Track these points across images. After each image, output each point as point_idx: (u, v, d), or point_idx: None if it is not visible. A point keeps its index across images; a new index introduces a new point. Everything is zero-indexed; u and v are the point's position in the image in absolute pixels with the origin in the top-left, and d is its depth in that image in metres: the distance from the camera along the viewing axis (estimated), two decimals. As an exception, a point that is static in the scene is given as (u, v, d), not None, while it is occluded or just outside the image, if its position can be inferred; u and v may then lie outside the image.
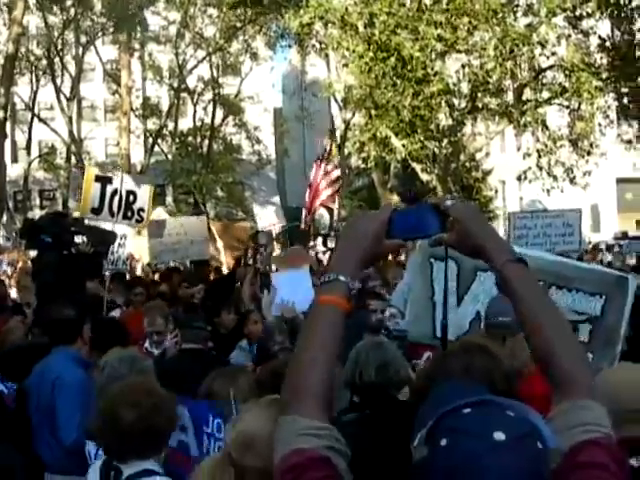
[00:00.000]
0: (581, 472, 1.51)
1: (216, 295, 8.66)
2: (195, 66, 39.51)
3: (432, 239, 1.84)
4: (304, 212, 13.38)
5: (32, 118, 39.88)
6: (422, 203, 1.86)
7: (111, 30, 36.45)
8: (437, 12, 17.84)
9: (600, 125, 20.94)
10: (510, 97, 20.36)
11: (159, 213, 16.69)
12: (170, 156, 40.05)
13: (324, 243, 17.50)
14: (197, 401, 3.83)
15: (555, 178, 20.68)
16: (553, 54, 19.13)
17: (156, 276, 14.03)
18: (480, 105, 19.87)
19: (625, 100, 21.96)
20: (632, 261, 17.21)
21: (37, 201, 45.22)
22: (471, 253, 1.83)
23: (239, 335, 6.98)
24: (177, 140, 40.30)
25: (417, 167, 20.45)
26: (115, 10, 33.95)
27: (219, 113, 40.97)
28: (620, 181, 35.90)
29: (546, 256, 6.11)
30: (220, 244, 14.64)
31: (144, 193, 10.73)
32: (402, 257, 13.30)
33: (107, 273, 9.68)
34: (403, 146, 18.85)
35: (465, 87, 19.70)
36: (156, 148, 39.87)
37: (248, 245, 11.62)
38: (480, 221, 1.84)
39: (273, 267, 11.33)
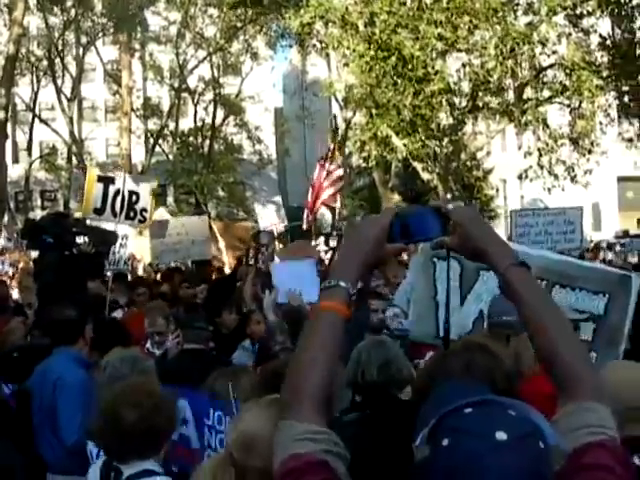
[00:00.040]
0: (586, 474, 1.51)
1: (219, 295, 8.66)
2: (196, 66, 39.50)
3: (434, 242, 1.85)
4: (306, 212, 13.34)
5: (33, 119, 39.93)
6: (423, 206, 1.86)
7: (112, 30, 36.46)
8: (437, 11, 17.83)
9: (601, 123, 20.93)
10: (511, 96, 20.36)
11: (161, 213, 16.69)
12: (171, 156, 40.06)
13: (326, 242, 17.50)
14: (197, 393, 3.84)
15: (556, 177, 20.68)
16: (554, 53, 19.12)
17: (158, 276, 14.03)
18: (481, 104, 19.87)
19: (626, 98, 21.95)
20: (634, 259, 17.23)
21: (38, 202, 45.26)
22: (473, 256, 1.84)
23: (241, 335, 6.98)
24: (178, 140, 40.31)
25: (418, 166, 20.45)
26: (115, 10, 33.95)
27: (220, 113, 40.96)
28: (621, 179, 35.86)
29: (549, 255, 6.11)
30: (222, 244, 14.63)
31: (145, 193, 10.73)
32: (404, 256, 13.27)
33: (109, 273, 9.69)
34: (404, 145, 18.86)
35: (466, 86, 19.70)
36: (157, 148, 39.87)
37: (249, 245, 11.61)
38: (481, 224, 1.84)
39: (275, 259, 11.35)
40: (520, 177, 22.18)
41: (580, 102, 19.67)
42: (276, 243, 13.08)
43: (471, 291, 5.49)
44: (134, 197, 10.50)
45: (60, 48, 36.87)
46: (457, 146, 20.68)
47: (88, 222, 9.34)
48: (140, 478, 3.05)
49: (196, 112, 40.83)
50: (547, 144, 20.36)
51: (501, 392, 1.91)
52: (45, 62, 37.15)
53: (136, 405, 3.10)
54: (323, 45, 23.64)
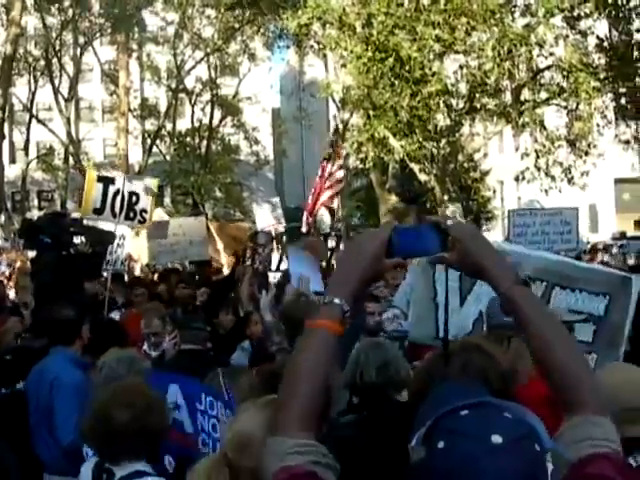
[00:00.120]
0: None
1: (219, 296, 8.68)
2: (193, 67, 39.49)
3: (432, 258, 1.84)
4: (305, 214, 13.30)
5: (30, 119, 39.91)
6: (423, 222, 1.86)
7: (109, 31, 36.46)
8: (435, 12, 17.83)
9: (598, 125, 20.93)
10: (508, 97, 20.36)
11: (159, 214, 16.66)
12: (168, 157, 40.05)
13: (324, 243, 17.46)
14: (188, 378, 3.84)
15: (553, 178, 20.68)
16: (551, 54, 19.12)
17: (155, 276, 14.01)
18: (478, 105, 19.87)
19: (623, 100, 21.97)
20: (631, 261, 17.25)
21: (35, 202, 45.26)
22: (472, 273, 1.85)
23: (238, 336, 6.98)
24: (175, 141, 40.31)
25: (415, 167, 20.45)
26: (113, 11, 33.93)
27: (217, 114, 40.98)
28: (618, 181, 35.90)
29: (549, 256, 6.13)
30: (220, 245, 14.60)
31: (146, 194, 10.73)
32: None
33: (105, 274, 9.68)
34: (401, 146, 18.85)
35: (463, 87, 19.70)
36: (154, 149, 39.85)
37: (246, 245, 11.61)
38: (481, 241, 1.84)
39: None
40: (517, 179, 22.18)
41: (577, 104, 19.68)
42: (274, 244, 13.06)
43: (471, 292, 5.49)
44: (134, 198, 10.50)
45: (57, 48, 36.85)
46: (454, 147, 20.68)
47: (85, 222, 9.32)
48: (132, 479, 3.04)
49: (193, 113, 40.83)
50: (544, 146, 20.36)
51: (496, 392, 1.92)
52: (42, 62, 37.12)
53: (129, 405, 3.10)
54: (320, 46, 23.64)
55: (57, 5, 34.64)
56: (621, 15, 20.07)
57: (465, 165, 25.47)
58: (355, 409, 3.43)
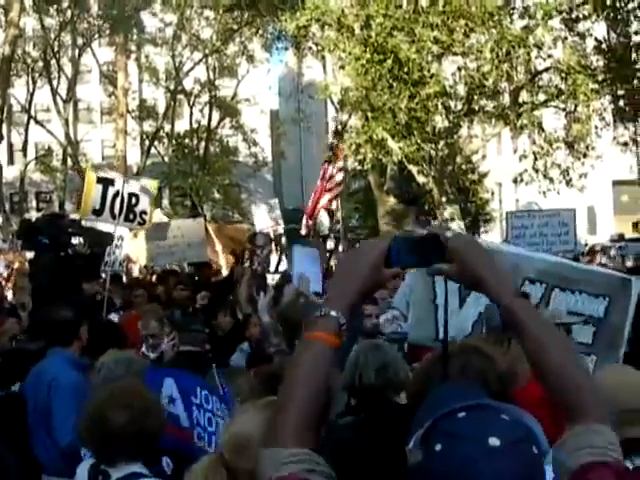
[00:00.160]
0: None
1: (218, 298, 8.68)
2: (191, 68, 39.47)
3: (431, 269, 1.84)
4: (305, 217, 13.29)
5: (28, 120, 39.87)
6: (422, 233, 1.87)
7: (107, 32, 36.40)
8: (433, 14, 17.85)
9: (596, 127, 20.95)
10: (506, 99, 20.37)
11: (158, 216, 16.65)
12: (166, 158, 39.99)
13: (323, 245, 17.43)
14: (183, 372, 3.83)
15: (551, 180, 20.69)
16: (549, 56, 19.13)
17: (153, 278, 13.99)
18: (476, 107, 19.87)
19: (621, 102, 21.97)
20: (629, 263, 17.27)
21: (33, 203, 45.19)
22: (471, 285, 1.84)
23: (236, 338, 6.97)
24: (173, 142, 40.27)
25: (413, 169, 20.44)
26: (111, 12, 33.91)
27: (215, 115, 40.96)
28: (616, 183, 35.95)
29: (549, 258, 6.14)
30: (219, 247, 14.58)
31: (145, 196, 10.72)
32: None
33: (104, 275, 9.67)
34: (399, 148, 18.85)
35: (461, 89, 19.70)
36: (152, 150, 39.80)
37: (245, 246, 11.60)
38: (480, 253, 1.82)
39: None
40: (515, 180, 22.19)
41: (575, 106, 19.69)
42: (272, 245, 13.05)
43: (471, 294, 5.49)
44: (133, 199, 10.49)
45: (56, 49, 36.79)
46: (452, 149, 20.68)
47: (83, 223, 9.32)
48: (128, 481, 3.03)
49: (192, 114, 40.80)
50: (542, 148, 20.37)
51: (494, 394, 1.92)
52: (41, 63, 37.09)
53: (127, 406, 3.08)
54: (319, 48, 23.64)
55: (55, 6, 34.61)
56: (619, 17, 20.11)
57: (463, 167, 25.48)
58: (353, 411, 3.43)
